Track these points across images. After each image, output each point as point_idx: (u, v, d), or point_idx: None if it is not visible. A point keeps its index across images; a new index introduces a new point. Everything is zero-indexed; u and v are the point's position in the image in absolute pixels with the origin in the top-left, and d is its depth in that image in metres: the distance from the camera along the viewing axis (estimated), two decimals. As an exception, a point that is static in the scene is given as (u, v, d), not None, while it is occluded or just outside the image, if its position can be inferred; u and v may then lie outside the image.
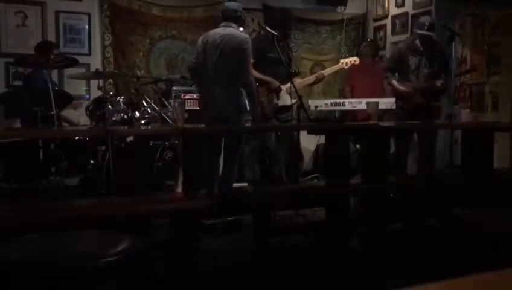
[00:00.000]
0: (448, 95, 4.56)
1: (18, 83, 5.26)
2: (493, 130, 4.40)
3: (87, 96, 5.46)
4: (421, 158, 4.83)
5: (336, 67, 5.06)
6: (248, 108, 4.09)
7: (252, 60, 4.09)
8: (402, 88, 4.71)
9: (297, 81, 4.72)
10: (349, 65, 4.97)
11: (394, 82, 4.77)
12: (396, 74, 4.82)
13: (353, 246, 3.47)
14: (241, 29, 4.10)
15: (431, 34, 4.57)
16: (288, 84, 4.40)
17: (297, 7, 6.40)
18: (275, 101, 4.64)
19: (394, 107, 4.89)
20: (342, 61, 5.03)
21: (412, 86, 4.66)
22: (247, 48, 3.91)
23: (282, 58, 4.23)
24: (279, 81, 4.59)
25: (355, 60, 4.99)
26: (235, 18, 4.05)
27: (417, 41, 4.70)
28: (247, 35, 4.08)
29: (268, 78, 4.55)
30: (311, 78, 4.96)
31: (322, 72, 5.07)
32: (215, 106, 4.02)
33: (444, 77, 4.62)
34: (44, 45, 4.73)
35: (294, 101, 4.50)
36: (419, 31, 4.66)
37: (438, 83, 4.61)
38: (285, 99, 4.63)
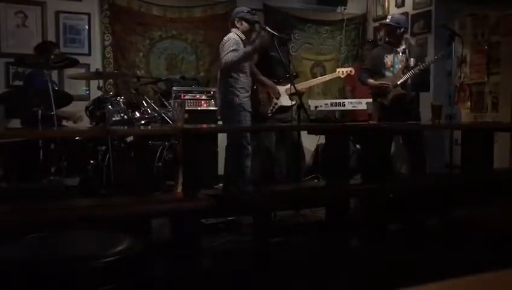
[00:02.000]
0: (448, 95, 4.56)
1: (18, 83, 5.26)
2: (493, 130, 4.40)
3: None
4: (411, 159, 4.80)
5: (333, 75, 5.24)
6: (245, 107, 4.22)
7: (255, 58, 4.46)
8: (378, 82, 4.74)
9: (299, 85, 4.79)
10: (345, 74, 5.11)
11: (369, 80, 4.82)
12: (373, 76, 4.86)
13: (353, 246, 3.47)
14: (234, 30, 4.32)
15: (392, 23, 4.71)
16: (288, 86, 4.48)
17: (297, 7, 6.41)
18: (274, 100, 4.68)
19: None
20: (338, 70, 5.20)
21: (391, 79, 4.69)
22: (223, 47, 4.20)
23: (282, 58, 4.27)
24: (278, 82, 4.67)
25: (351, 70, 5.11)
26: (231, 23, 4.39)
27: (391, 40, 4.81)
28: (229, 35, 4.27)
29: (269, 83, 4.65)
30: (305, 84, 5.07)
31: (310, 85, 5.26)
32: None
33: (421, 64, 4.65)
34: (44, 45, 4.72)
35: (293, 103, 4.65)
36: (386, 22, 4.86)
37: (416, 69, 4.62)
38: (284, 100, 4.68)
